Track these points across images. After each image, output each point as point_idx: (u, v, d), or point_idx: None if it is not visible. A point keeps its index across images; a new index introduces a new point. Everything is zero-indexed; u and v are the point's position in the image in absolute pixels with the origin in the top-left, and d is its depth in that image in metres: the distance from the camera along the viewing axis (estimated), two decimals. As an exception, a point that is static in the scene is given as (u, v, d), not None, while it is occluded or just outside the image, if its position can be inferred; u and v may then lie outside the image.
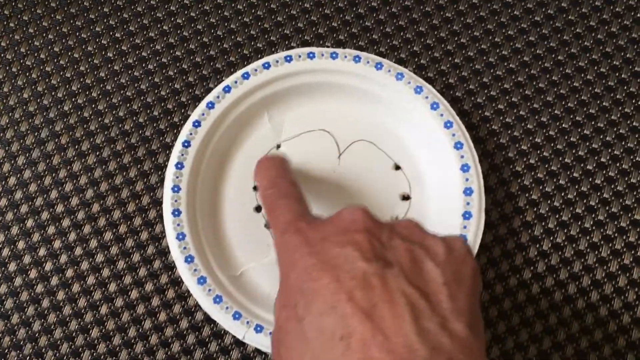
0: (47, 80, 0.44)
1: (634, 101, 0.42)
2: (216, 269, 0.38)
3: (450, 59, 0.43)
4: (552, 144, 0.42)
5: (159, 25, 0.44)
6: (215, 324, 0.39)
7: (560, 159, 0.42)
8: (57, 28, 0.44)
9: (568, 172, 0.41)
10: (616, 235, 0.40)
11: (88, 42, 0.44)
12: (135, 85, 0.43)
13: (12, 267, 0.40)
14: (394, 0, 0.45)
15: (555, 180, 0.41)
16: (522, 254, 0.40)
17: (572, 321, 0.39)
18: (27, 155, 0.42)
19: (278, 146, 0.41)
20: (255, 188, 0.41)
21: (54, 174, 0.42)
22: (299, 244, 0.29)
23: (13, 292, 0.40)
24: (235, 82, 0.40)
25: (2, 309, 0.40)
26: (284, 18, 0.44)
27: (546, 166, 0.42)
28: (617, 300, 0.39)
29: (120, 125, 0.43)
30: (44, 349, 0.39)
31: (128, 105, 0.43)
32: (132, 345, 0.39)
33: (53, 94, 0.43)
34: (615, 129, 0.42)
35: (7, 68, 0.44)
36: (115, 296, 0.40)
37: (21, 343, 0.39)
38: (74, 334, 0.39)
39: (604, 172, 0.41)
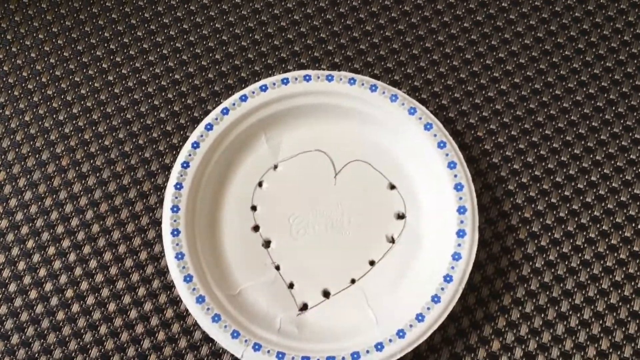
0: (48, 103, 0.44)
1: (621, 121, 0.43)
2: (214, 288, 0.39)
3: (443, 80, 0.44)
4: (543, 163, 0.43)
5: (158, 49, 0.45)
6: (213, 342, 0.40)
7: (552, 177, 0.42)
8: (59, 52, 0.45)
9: (559, 191, 0.42)
10: (607, 252, 0.41)
11: (89, 66, 0.45)
12: (135, 107, 0.44)
13: (12, 287, 0.41)
14: (388, 24, 0.46)
15: (547, 198, 0.42)
16: (515, 271, 0.41)
17: (565, 338, 0.40)
18: (28, 177, 0.43)
19: (275, 166, 0.42)
20: (253, 208, 0.41)
21: (54, 195, 0.42)
22: None
23: (13, 312, 0.40)
24: (233, 104, 0.41)
25: (2, 330, 0.40)
26: (281, 42, 0.45)
27: (538, 185, 0.42)
28: (609, 316, 0.40)
29: (120, 147, 0.43)
30: (43, 369, 0.40)
31: (128, 127, 0.44)
32: (131, 365, 0.39)
33: (54, 116, 0.44)
34: (604, 149, 0.43)
35: (9, 91, 0.45)
36: (114, 316, 0.40)
37: (21, 363, 0.40)
38: (73, 354, 0.40)
39: (594, 190, 0.42)
